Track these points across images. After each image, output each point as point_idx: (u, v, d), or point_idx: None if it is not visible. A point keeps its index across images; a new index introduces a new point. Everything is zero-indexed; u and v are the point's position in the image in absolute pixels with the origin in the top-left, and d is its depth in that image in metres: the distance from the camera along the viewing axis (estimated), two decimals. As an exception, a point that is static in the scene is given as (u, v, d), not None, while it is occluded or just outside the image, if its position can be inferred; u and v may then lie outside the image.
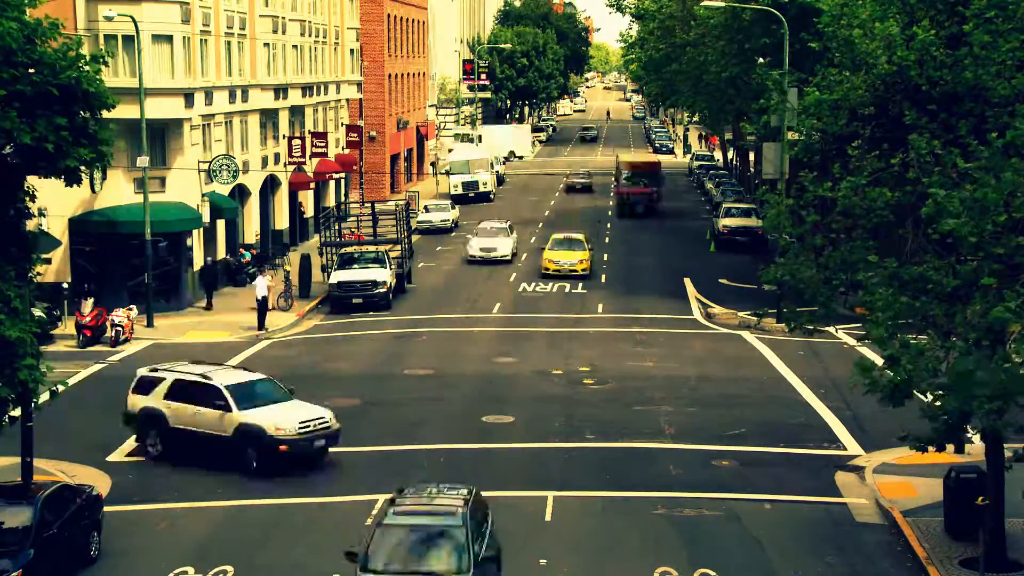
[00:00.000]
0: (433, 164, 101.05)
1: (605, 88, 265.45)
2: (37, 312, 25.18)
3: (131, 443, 32.03)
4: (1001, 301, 20.46)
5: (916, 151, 23.45)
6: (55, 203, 44.16)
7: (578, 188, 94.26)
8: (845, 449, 31.36)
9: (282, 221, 64.70)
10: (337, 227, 58.29)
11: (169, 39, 47.90)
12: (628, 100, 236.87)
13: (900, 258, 23.96)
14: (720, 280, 57.63)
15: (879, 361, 22.69)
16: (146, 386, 31.12)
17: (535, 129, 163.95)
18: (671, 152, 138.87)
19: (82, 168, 23.46)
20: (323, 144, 65.89)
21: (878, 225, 25.05)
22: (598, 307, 51.48)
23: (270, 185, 63.00)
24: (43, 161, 22.90)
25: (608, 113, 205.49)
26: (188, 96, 48.93)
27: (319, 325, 49.06)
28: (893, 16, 28.27)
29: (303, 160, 64.25)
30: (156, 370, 31.62)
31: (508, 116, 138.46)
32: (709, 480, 28.89)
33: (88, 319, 43.51)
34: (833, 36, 28.90)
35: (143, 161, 45.91)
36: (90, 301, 43.95)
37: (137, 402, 31.06)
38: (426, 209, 76.42)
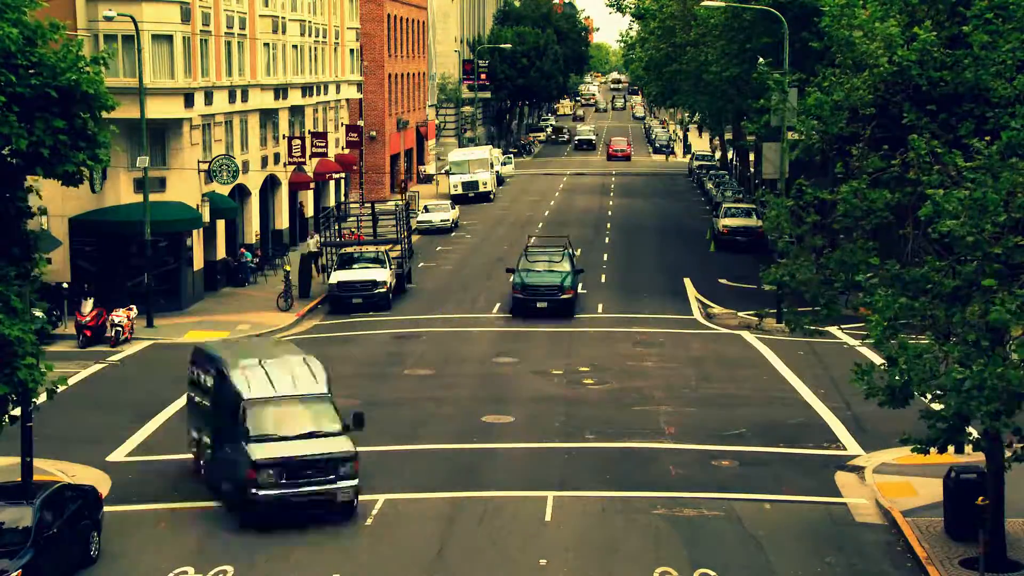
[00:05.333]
0: (429, 177, 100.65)
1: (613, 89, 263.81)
2: (37, 312, 25.13)
3: (131, 443, 32.07)
4: (1001, 302, 20.46)
5: (916, 151, 23.47)
6: (55, 203, 44.17)
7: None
8: (845, 449, 31.36)
9: (282, 221, 64.69)
10: (337, 227, 58.31)
11: (169, 39, 47.90)
12: (624, 108, 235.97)
13: (900, 259, 23.97)
14: (720, 280, 57.65)
15: (878, 361, 22.71)
16: None
17: (533, 129, 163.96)
18: (671, 152, 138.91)
19: (81, 170, 23.44)
20: (323, 144, 65.89)
21: (878, 226, 25.06)
22: (598, 307, 51.47)
23: (270, 185, 63.00)
24: (40, 164, 22.88)
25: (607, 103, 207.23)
26: (188, 96, 48.93)
27: (319, 325, 49.05)
28: (894, 16, 28.29)
29: (303, 160, 64.25)
30: None
31: (508, 117, 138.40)
32: (709, 480, 28.89)
33: (88, 319, 43.51)
34: (834, 37, 28.88)
35: (143, 161, 45.90)
36: (90, 301, 43.95)
37: None
38: (426, 209, 76.46)
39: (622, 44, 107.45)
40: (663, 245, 68.89)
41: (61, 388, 24.47)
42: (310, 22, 68.17)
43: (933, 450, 22.42)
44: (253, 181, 59.10)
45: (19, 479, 25.99)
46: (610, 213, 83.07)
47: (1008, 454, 22.34)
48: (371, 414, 34.66)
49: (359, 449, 31.31)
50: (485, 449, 31.38)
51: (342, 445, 26.18)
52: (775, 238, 27.88)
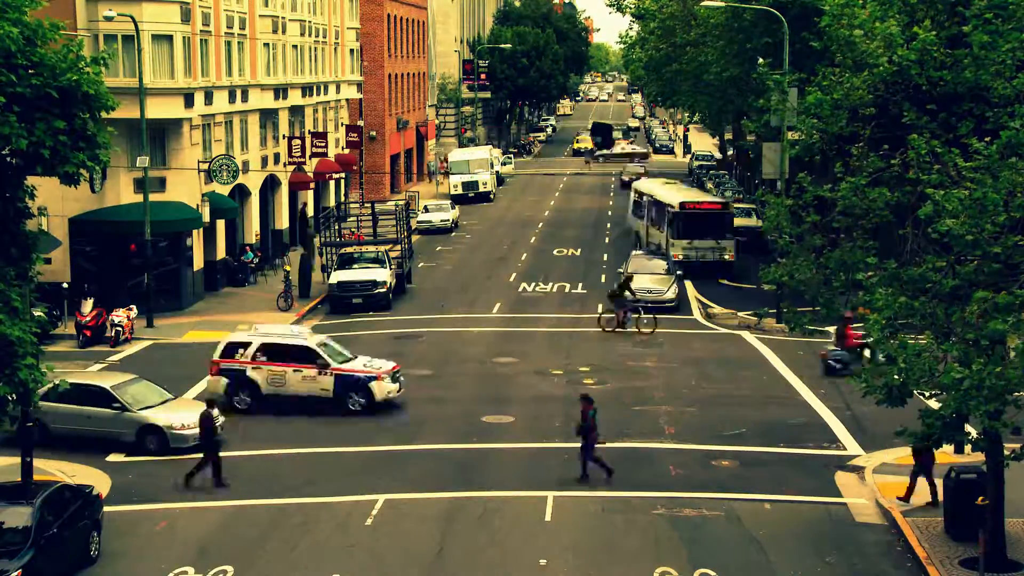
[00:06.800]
0: (431, 173, 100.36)
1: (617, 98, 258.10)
2: (37, 312, 25.18)
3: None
4: (997, 309, 20.45)
5: (916, 151, 23.48)
6: (55, 203, 44.18)
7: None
8: (845, 449, 31.37)
9: (282, 221, 64.70)
10: (337, 227, 58.32)
11: (169, 39, 47.91)
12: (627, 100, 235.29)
13: (900, 258, 23.97)
14: (720, 280, 57.65)
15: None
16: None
17: (533, 129, 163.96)
18: (671, 152, 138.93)
19: (81, 171, 23.45)
20: (323, 144, 65.90)
21: (878, 225, 25.05)
22: (598, 307, 51.46)
23: (270, 185, 63.01)
24: (40, 164, 22.90)
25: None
26: (188, 96, 48.93)
27: (319, 325, 49.00)
28: (894, 16, 28.27)
29: (303, 160, 64.26)
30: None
31: (508, 116, 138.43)
32: (709, 480, 28.89)
33: (88, 319, 43.51)
34: (834, 36, 28.87)
35: (143, 161, 45.91)
36: (90, 301, 43.95)
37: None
38: (426, 209, 76.47)
39: (622, 44, 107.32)
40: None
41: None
42: (310, 22, 68.17)
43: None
44: (253, 181, 59.11)
45: (19, 479, 26.02)
46: (610, 213, 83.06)
47: (1007, 452, 22.33)
48: (371, 414, 34.76)
49: (359, 449, 31.44)
50: (485, 449, 31.38)
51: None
52: (775, 238, 27.88)
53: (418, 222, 73.45)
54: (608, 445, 31.66)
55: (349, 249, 54.93)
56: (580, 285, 56.30)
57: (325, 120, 73.06)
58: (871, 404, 23.68)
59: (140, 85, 45.58)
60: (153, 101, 47.05)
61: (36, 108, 22.30)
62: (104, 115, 23.57)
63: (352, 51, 78.33)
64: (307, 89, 67.18)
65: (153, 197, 47.04)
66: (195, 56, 50.29)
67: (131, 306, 45.65)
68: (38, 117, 22.29)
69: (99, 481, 28.36)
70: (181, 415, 31.34)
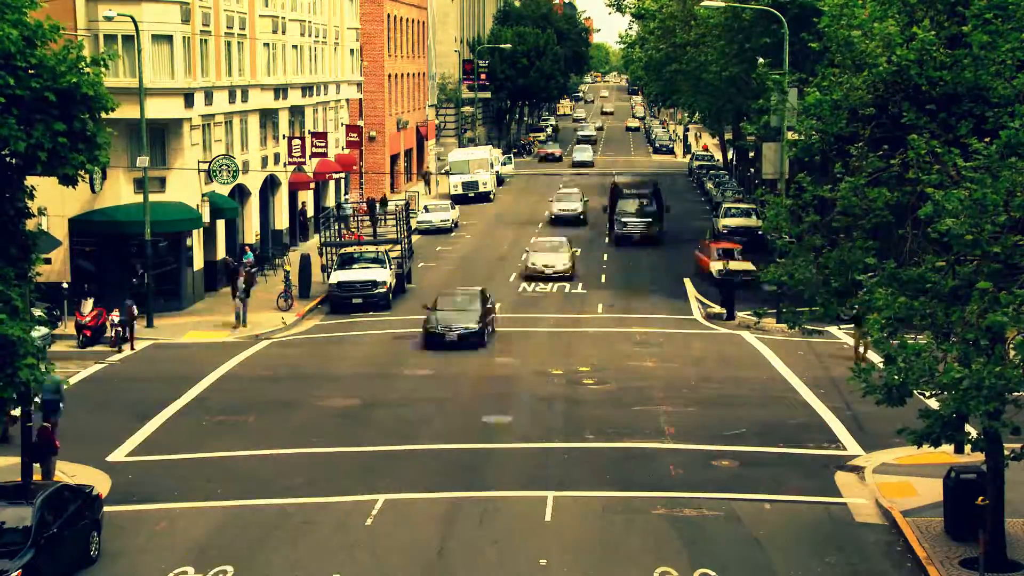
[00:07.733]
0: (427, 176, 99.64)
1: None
2: (37, 312, 25.19)
3: (131, 443, 32.07)
4: (998, 303, 20.46)
5: (915, 151, 23.48)
6: (55, 203, 44.18)
7: None
8: (845, 449, 31.36)
9: (282, 221, 64.70)
10: (337, 227, 58.32)
11: (169, 39, 47.91)
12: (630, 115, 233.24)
13: (899, 258, 23.97)
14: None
15: (877, 360, 22.71)
16: None
17: (533, 129, 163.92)
18: (671, 152, 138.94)
19: (80, 172, 23.45)
20: (323, 144, 65.91)
21: (877, 225, 25.06)
22: (598, 307, 51.48)
23: (270, 185, 63.01)
24: (39, 165, 22.90)
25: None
26: (188, 96, 48.94)
27: (319, 325, 49.07)
28: (893, 16, 28.26)
29: (303, 160, 64.26)
30: None
31: (508, 117, 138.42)
32: (709, 480, 28.89)
33: (88, 319, 43.52)
34: (833, 37, 28.88)
35: (143, 161, 45.92)
36: (90, 301, 43.96)
37: None
38: (426, 209, 76.49)
39: (622, 44, 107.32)
40: (663, 245, 68.86)
41: (64, 387, 24.51)
42: (310, 22, 68.19)
43: (927, 447, 22.39)
44: (253, 181, 59.12)
45: (19, 479, 26.02)
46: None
47: (1007, 452, 22.33)
48: (371, 414, 34.78)
49: (359, 449, 31.44)
50: (485, 449, 31.38)
51: None
52: (774, 238, 27.88)
53: (418, 222, 73.48)
54: (608, 445, 31.70)
55: (349, 249, 54.94)
56: (580, 285, 56.30)
57: (325, 120, 73.07)
58: (871, 404, 23.67)
59: (140, 85, 45.59)
60: (153, 101, 47.06)
61: (35, 110, 22.29)
62: (104, 115, 23.57)
63: (352, 51, 78.34)
64: (307, 89, 67.19)
65: (153, 197, 47.06)
66: (195, 56, 50.30)
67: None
68: (37, 119, 22.30)
69: (99, 481, 28.35)
70: None
